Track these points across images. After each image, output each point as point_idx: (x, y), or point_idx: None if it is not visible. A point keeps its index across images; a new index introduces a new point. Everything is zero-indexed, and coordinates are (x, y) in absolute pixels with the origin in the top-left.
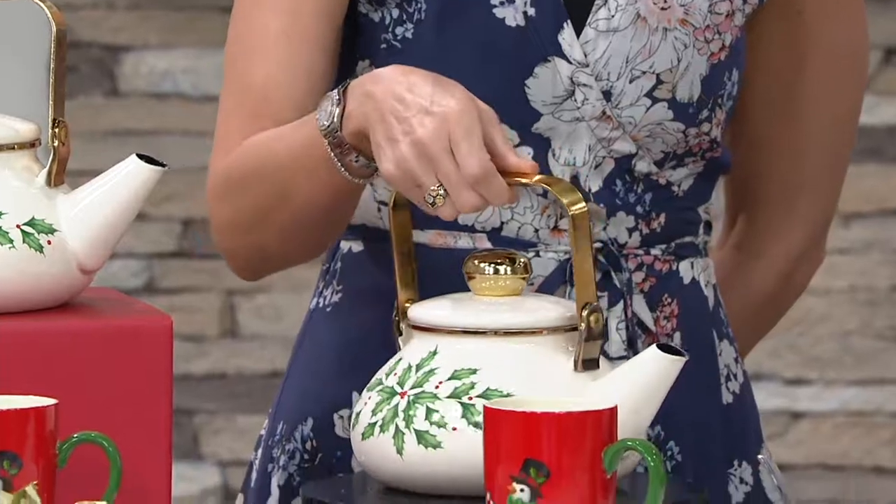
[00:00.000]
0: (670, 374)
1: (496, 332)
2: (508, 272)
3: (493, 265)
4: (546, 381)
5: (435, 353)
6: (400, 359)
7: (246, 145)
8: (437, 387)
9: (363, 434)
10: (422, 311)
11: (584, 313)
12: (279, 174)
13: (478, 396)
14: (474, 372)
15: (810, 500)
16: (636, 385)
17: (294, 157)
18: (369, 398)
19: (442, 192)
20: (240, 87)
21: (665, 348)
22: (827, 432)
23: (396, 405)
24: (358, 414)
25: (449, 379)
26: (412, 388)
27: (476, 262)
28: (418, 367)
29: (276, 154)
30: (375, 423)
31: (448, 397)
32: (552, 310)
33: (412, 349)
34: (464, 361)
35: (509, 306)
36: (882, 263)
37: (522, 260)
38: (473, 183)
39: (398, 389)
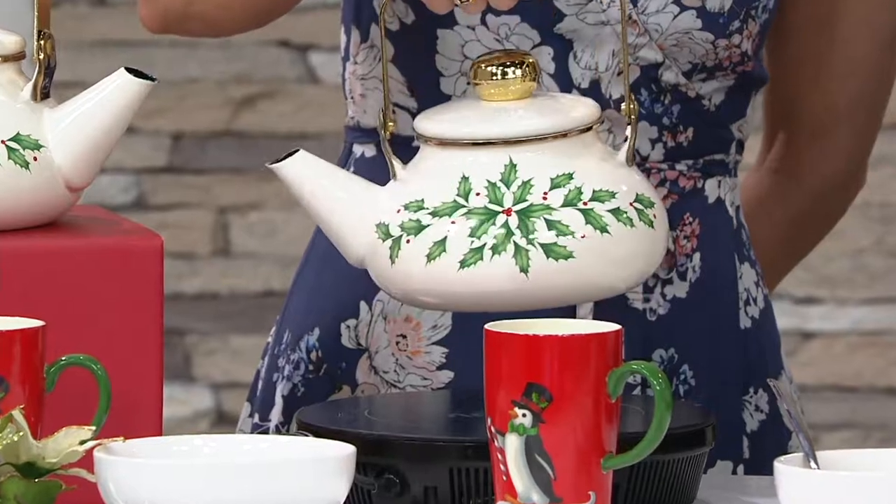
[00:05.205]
0: None
1: (560, 135)
2: (518, 74)
3: (500, 68)
4: (622, 175)
5: (514, 164)
6: (464, 176)
7: None
8: (544, 198)
9: (464, 262)
10: (469, 124)
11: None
12: None
13: (591, 200)
14: (571, 177)
15: (822, 422)
16: None
17: None
18: (452, 223)
19: None
20: None
21: None
22: (839, 352)
23: (506, 223)
24: (440, 242)
25: (552, 189)
26: (515, 203)
27: (483, 66)
28: (506, 182)
29: None
30: (483, 246)
31: (562, 206)
32: (582, 107)
33: (466, 165)
34: (553, 169)
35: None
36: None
37: (531, 60)
38: None
39: (498, 208)
